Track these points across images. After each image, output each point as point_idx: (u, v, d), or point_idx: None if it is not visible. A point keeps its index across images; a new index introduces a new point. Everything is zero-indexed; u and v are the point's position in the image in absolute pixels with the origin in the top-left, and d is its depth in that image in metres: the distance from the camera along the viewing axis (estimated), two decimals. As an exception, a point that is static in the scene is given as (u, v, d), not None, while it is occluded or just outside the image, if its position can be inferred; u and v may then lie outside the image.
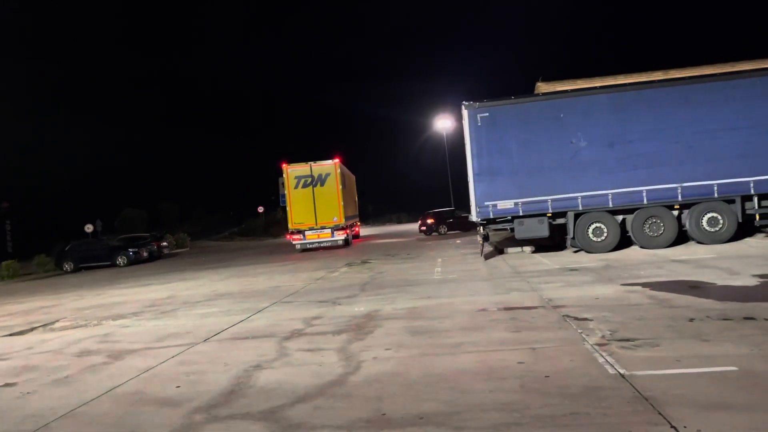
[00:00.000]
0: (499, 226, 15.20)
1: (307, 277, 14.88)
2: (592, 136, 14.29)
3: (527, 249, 16.40)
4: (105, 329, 9.71)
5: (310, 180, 24.79)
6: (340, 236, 24.82)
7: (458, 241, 23.57)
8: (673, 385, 4.41)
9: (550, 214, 14.48)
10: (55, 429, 4.83)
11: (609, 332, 6.18)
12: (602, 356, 5.31)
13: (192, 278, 17.89)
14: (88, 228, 34.49)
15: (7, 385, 6.45)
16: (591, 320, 6.84)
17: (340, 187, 24.75)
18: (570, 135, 14.36)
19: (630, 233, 14.20)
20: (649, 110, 14.07)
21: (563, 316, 7.25)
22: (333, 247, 25.34)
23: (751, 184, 13.51)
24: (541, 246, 16.39)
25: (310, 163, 24.98)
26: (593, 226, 14.29)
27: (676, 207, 13.97)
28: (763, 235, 14.94)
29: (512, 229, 14.82)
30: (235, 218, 67.31)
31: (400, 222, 57.97)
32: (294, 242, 25.02)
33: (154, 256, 30.87)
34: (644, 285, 9.02)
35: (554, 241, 16.16)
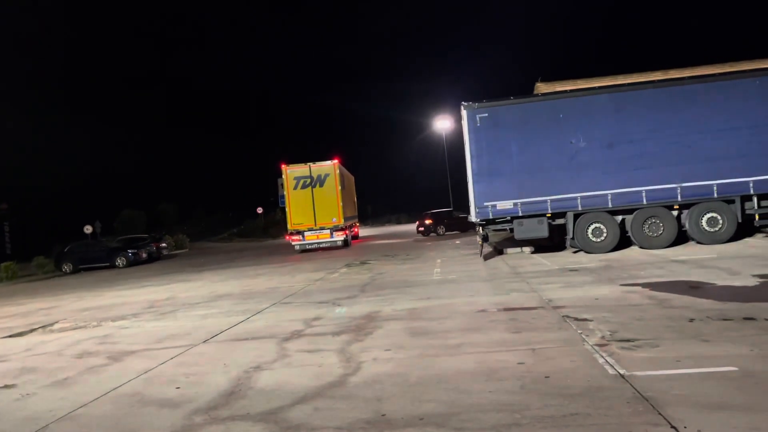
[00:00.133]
0: (499, 227, 15.19)
1: (306, 278, 14.87)
2: (592, 136, 14.28)
3: (527, 249, 16.40)
4: (104, 330, 9.70)
5: (309, 181, 24.78)
6: (339, 237, 24.81)
7: (457, 242, 23.57)
8: (673, 386, 4.40)
9: (549, 215, 14.47)
10: (54, 431, 4.82)
11: (609, 333, 6.18)
12: (602, 357, 5.31)
13: (191, 279, 17.87)
14: (87, 229, 34.47)
15: (6, 386, 6.44)
16: (591, 321, 6.84)
17: (339, 187, 24.74)
18: (569, 135, 14.36)
19: (629, 233, 14.20)
20: (649, 110, 14.07)
21: (563, 316, 7.25)
22: (332, 248, 25.34)
23: (751, 184, 13.52)
24: (541, 246, 16.40)
25: (309, 163, 24.97)
26: (593, 226, 14.29)
27: (675, 207, 13.97)
28: (762, 235, 14.95)
29: (511, 230, 14.81)
30: (234, 219, 67.32)
31: (399, 223, 57.97)
32: (293, 243, 25.01)
33: (154, 258, 30.85)
34: (644, 285, 9.02)
35: (554, 241, 16.16)
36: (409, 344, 6.58)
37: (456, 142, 29.20)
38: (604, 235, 14.24)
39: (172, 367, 6.59)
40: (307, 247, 24.91)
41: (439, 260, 16.37)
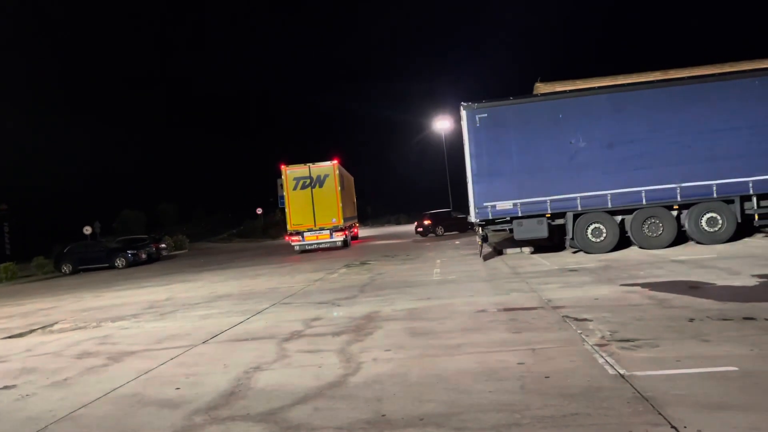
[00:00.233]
0: (498, 227, 15.19)
1: (305, 278, 14.87)
2: (591, 136, 14.29)
3: (526, 250, 16.40)
4: (104, 331, 9.70)
5: (308, 181, 24.78)
6: (338, 237, 24.82)
7: (457, 242, 23.57)
8: (673, 386, 4.40)
9: (549, 215, 14.47)
10: (54, 431, 4.82)
11: (609, 333, 6.18)
12: (602, 357, 5.31)
13: (191, 280, 17.87)
14: (87, 230, 34.49)
15: (5, 387, 6.43)
16: (591, 321, 6.84)
17: (339, 188, 24.75)
18: (569, 135, 14.36)
19: (629, 234, 14.20)
20: (649, 110, 14.07)
21: (563, 316, 7.25)
22: (332, 249, 25.34)
23: (750, 184, 13.52)
24: (540, 247, 16.40)
25: (308, 164, 24.99)
26: (592, 226, 14.30)
27: (675, 207, 13.98)
28: (762, 235, 14.95)
29: (511, 230, 14.81)
30: (234, 220, 67.37)
31: (399, 223, 58.00)
32: (293, 243, 25.01)
33: (153, 258, 30.85)
34: (644, 285, 9.02)
35: (553, 241, 16.17)
36: (409, 344, 6.58)
37: (456, 142, 29.21)
38: (604, 235, 14.25)
39: (171, 367, 6.59)
40: (307, 247, 24.92)
41: (438, 260, 16.37)
